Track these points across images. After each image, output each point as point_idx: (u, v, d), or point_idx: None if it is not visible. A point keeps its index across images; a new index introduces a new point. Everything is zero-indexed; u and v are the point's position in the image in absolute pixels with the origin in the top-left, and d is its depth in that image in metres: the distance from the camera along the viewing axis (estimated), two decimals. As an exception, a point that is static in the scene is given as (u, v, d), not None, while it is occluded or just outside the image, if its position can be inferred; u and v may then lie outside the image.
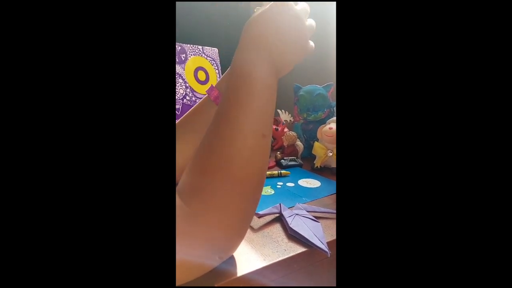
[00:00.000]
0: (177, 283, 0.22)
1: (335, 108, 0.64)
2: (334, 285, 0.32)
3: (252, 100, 0.25)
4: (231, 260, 0.27)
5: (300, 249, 0.29)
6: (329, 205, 0.40)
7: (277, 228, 0.33)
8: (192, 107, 0.43)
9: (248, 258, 0.27)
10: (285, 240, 0.31)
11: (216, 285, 0.24)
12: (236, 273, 0.25)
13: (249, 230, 0.33)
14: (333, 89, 0.61)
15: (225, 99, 0.26)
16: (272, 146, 0.69)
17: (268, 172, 0.52)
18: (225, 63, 0.60)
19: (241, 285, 0.25)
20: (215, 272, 0.25)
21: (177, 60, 0.60)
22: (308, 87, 0.61)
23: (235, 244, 0.25)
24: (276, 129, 0.70)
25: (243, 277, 0.25)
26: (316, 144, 0.55)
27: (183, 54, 0.59)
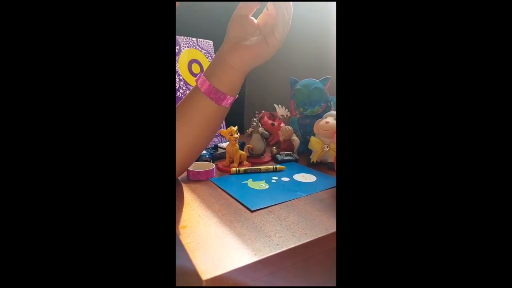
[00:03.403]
0: None
1: (332, 103, 0.62)
2: (328, 281, 0.31)
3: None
4: (220, 255, 0.26)
5: (293, 244, 0.28)
6: (324, 199, 0.39)
7: (269, 222, 0.32)
8: (182, 99, 0.42)
9: (238, 253, 0.26)
10: (278, 234, 0.29)
11: (204, 284, 0.23)
12: (225, 268, 0.24)
13: (239, 224, 0.32)
14: (331, 83, 0.60)
15: None
16: (268, 141, 0.68)
17: (263, 167, 0.51)
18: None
19: (230, 281, 0.24)
20: (203, 266, 0.24)
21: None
22: (305, 81, 0.60)
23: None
24: (273, 124, 0.69)
25: (232, 272, 0.24)
26: (312, 138, 0.54)
27: (176, 46, 0.57)
